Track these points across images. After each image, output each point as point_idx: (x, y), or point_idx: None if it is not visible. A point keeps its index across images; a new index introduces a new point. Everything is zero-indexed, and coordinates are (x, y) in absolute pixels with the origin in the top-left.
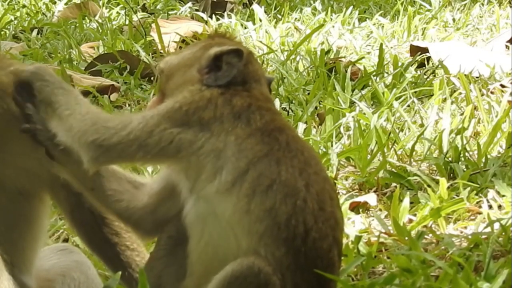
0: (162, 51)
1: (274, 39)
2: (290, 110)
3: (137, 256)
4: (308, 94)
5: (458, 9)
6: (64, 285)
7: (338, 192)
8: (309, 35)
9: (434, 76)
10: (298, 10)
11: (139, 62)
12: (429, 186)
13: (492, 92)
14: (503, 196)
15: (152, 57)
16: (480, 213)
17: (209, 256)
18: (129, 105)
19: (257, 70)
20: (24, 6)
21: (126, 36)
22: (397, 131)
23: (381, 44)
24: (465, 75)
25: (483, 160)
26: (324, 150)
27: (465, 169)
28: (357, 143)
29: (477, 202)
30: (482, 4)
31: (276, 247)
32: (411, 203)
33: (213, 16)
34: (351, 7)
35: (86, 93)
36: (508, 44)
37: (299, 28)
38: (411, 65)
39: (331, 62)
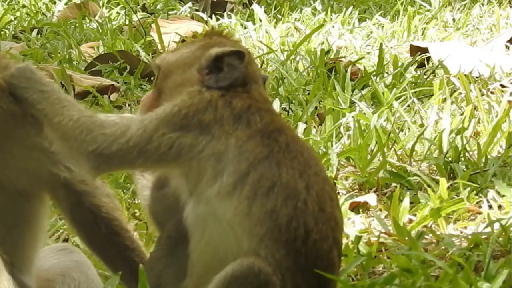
0: (162, 51)
1: (274, 39)
2: (290, 110)
3: (137, 256)
4: (308, 94)
5: (458, 9)
6: (64, 285)
7: (338, 192)
8: (309, 35)
9: (434, 76)
10: (298, 10)
11: (139, 62)
12: (429, 186)
13: (492, 92)
14: (503, 196)
15: (152, 57)
16: (480, 213)
17: (210, 256)
18: (129, 105)
19: (256, 71)
20: (24, 6)
21: (126, 36)
22: (397, 131)
23: (381, 44)
24: (465, 75)
25: (483, 160)
26: (324, 150)
27: (465, 169)
28: (357, 143)
29: (477, 202)
30: (482, 4)
31: (276, 249)
32: (411, 203)
33: (213, 16)
34: (351, 7)
35: (86, 93)
36: (508, 44)
37: (299, 28)
38: (411, 65)
39: (331, 62)
